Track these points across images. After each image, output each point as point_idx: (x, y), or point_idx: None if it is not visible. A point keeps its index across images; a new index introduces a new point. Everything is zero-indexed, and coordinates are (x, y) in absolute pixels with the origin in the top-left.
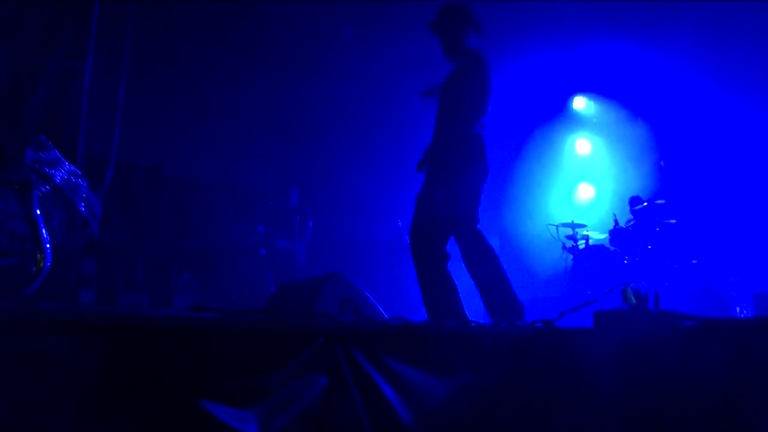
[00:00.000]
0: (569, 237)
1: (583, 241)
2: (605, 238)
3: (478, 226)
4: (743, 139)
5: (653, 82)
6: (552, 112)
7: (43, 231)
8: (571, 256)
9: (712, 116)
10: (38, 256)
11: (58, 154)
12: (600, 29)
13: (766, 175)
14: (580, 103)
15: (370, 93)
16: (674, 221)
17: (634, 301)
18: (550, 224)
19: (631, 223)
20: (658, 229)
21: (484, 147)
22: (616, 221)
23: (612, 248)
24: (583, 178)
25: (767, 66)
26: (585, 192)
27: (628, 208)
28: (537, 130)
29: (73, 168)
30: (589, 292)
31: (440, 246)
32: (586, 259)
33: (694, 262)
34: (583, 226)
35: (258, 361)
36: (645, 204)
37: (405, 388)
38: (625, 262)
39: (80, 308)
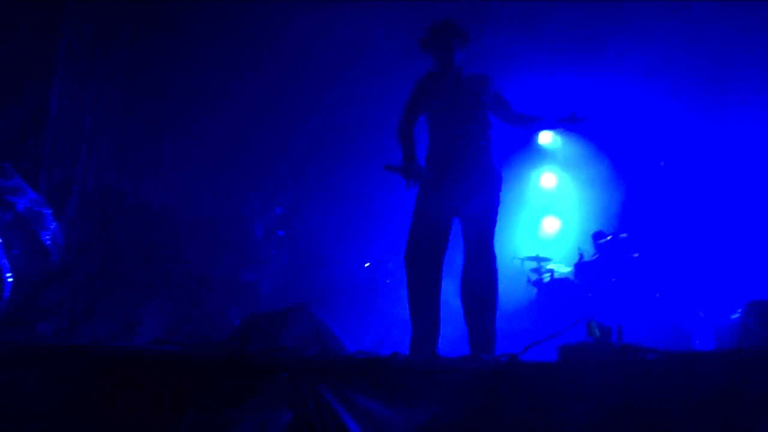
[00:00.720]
0: (534, 270)
1: (548, 275)
2: (570, 272)
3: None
4: (706, 172)
5: (616, 115)
6: (517, 146)
7: (4, 260)
8: (536, 290)
9: (676, 149)
10: None
11: (22, 182)
12: (564, 63)
13: (730, 209)
14: (546, 137)
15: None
16: (637, 255)
17: (598, 334)
18: (515, 257)
19: (595, 257)
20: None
21: None
22: (581, 255)
23: (577, 282)
24: (549, 211)
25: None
26: (550, 225)
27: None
28: (502, 163)
29: (36, 196)
30: (553, 326)
31: (441, 263)
32: (550, 292)
33: (657, 295)
34: (548, 259)
35: (221, 395)
36: (609, 238)
37: (371, 422)
38: (590, 295)
39: (37, 341)
